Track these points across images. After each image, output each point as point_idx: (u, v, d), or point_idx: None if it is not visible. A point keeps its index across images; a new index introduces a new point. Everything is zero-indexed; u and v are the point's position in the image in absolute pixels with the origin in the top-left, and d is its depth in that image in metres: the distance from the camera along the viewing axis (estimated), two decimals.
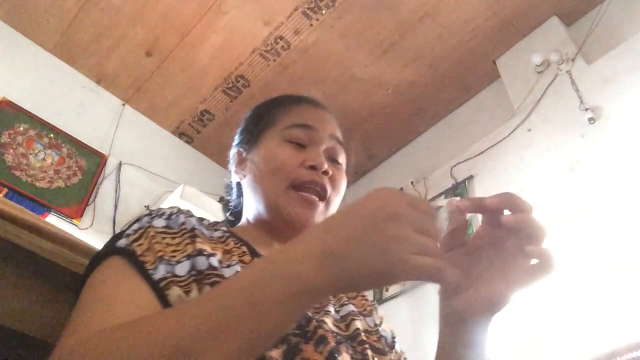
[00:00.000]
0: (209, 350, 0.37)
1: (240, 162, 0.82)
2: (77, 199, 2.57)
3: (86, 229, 2.49)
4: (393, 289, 2.64)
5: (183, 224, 0.61)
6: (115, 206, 2.70)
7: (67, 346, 0.41)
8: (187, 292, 0.53)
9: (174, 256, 0.56)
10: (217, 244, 0.63)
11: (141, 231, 0.58)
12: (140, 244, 0.56)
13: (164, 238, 0.58)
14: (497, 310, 0.51)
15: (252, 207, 0.77)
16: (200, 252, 0.57)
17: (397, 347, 0.74)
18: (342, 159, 0.79)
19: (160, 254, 0.55)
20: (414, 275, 0.40)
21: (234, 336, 0.38)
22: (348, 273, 0.40)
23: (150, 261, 0.53)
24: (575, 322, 1.84)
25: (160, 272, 0.53)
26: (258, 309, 0.39)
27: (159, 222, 0.60)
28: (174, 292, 0.52)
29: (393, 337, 0.75)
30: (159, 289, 0.51)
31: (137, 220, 0.62)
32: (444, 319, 0.56)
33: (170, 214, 0.63)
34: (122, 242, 0.56)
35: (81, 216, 2.53)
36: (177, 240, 0.59)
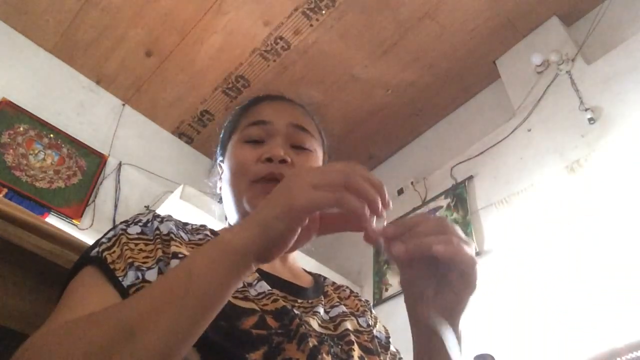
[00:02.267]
0: (151, 324, 0.40)
1: (221, 174, 0.84)
2: (77, 199, 2.57)
3: (86, 229, 2.49)
4: (393, 290, 2.64)
5: (157, 229, 0.62)
6: (115, 206, 2.70)
7: (30, 339, 0.43)
8: None
9: (145, 262, 0.56)
10: (195, 246, 0.64)
11: (114, 239, 0.58)
12: (112, 252, 0.56)
13: (137, 244, 0.58)
14: (454, 316, 0.54)
15: (229, 212, 0.78)
16: (174, 255, 0.58)
17: (392, 347, 0.74)
18: (308, 144, 0.77)
19: (130, 260, 0.55)
20: (315, 203, 0.44)
21: (172, 307, 0.41)
22: (263, 221, 0.45)
23: (121, 268, 0.54)
24: (575, 322, 1.84)
25: (130, 278, 0.53)
26: (189, 276, 0.43)
27: (134, 229, 0.61)
28: None
29: (387, 337, 0.75)
30: (128, 296, 0.52)
31: (113, 227, 0.62)
32: (412, 327, 0.59)
33: (146, 222, 0.63)
34: (94, 252, 0.57)
35: (81, 216, 2.53)
36: (151, 246, 0.59)
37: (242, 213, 0.73)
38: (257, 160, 0.73)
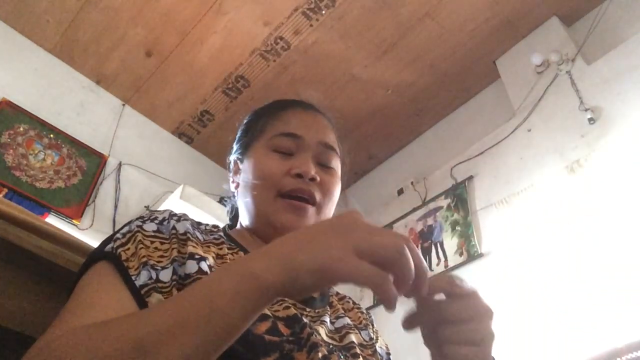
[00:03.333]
0: (164, 346, 0.39)
1: (236, 171, 0.83)
2: (77, 199, 2.57)
3: (86, 229, 2.49)
4: None
5: (173, 228, 0.61)
6: (115, 206, 2.70)
7: (41, 341, 0.42)
8: (167, 298, 0.53)
9: (160, 262, 0.56)
10: (210, 247, 0.63)
11: (129, 235, 0.58)
12: (127, 249, 0.56)
13: (153, 242, 0.58)
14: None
15: (245, 215, 0.78)
16: (191, 256, 0.57)
17: None
18: (334, 163, 0.78)
19: (144, 259, 0.55)
20: (353, 276, 0.41)
21: (189, 331, 0.39)
22: (295, 269, 0.41)
23: (134, 267, 0.54)
24: (575, 322, 1.84)
25: (143, 278, 0.53)
26: (211, 304, 0.41)
27: (150, 227, 0.60)
28: (154, 299, 0.52)
29: (388, 354, 0.75)
30: (140, 296, 0.52)
31: (129, 223, 0.62)
32: None
33: (163, 219, 0.62)
34: (109, 247, 0.57)
35: (81, 216, 2.53)
36: (166, 245, 0.59)
37: (263, 222, 0.73)
38: (285, 174, 0.72)
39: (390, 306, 0.40)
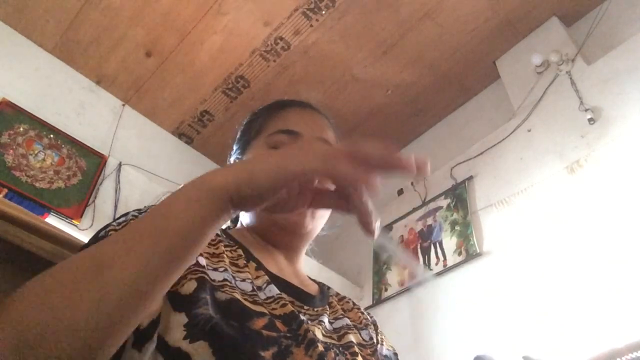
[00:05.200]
0: (120, 260, 0.39)
1: None
2: (77, 199, 2.57)
3: (86, 229, 2.49)
4: (392, 290, 2.64)
5: None
6: (115, 207, 2.70)
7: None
8: None
9: None
10: (207, 246, 0.63)
11: (124, 223, 0.58)
12: None
13: None
14: None
15: (245, 213, 0.78)
16: None
17: None
18: None
19: None
20: (308, 165, 0.42)
21: (145, 241, 0.40)
22: (248, 170, 0.43)
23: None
24: (575, 322, 1.84)
25: None
26: (166, 213, 0.42)
27: None
28: None
29: (395, 354, 0.75)
30: None
31: (125, 214, 0.62)
32: None
33: None
34: (102, 232, 0.57)
35: (81, 217, 2.52)
36: None
37: (258, 217, 0.74)
38: None
39: (357, 193, 0.43)
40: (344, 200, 0.49)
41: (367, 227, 0.48)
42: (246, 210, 0.45)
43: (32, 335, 0.36)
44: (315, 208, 0.50)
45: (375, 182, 0.43)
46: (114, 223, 0.59)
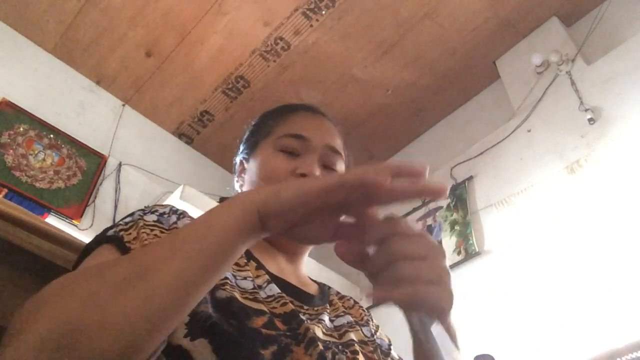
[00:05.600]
0: (164, 265, 0.41)
1: (241, 171, 0.85)
2: (77, 199, 2.57)
3: (86, 229, 2.49)
4: None
5: (174, 223, 0.62)
6: (115, 207, 2.70)
7: (45, 287, 0.44)
8: None
9: None
10: None
11: (131, 223, 0.59)
12: (129, 233, 0.57)
13: (153, 230, 0.59)
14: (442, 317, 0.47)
15: None
16: None
17: (394, 354, 0.74)
18: (338, 166, 0.80)
19: (146, 242, 0.55)
20: (331, 183, 0.44)
21: (186, 252, 0.42)
22: (278, 188, 0.46)
23: (137, 247, 0.54)
24: (575, 321, 1.84)
25: None
26: (207, 225, 0.45)
27: (151, 217, 0.61)
28: None
29: (389, 344, 0.76)
30: None
31: (131, 214, 0.63)
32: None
33: (163, 213, 0.64)
34: (112, 232, 0.58)
35: (81, 217, 2.53)
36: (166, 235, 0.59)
37: None
38: (290, 173, 0.73)
39: (381, 176, 0.43)
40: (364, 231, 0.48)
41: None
42: (274, 228, 0.46)
43: (76, 334, 0.37)
44: (337, 240, 0.49)
45: (383, 178, 0.43)
46: (121, 223, 0.60)
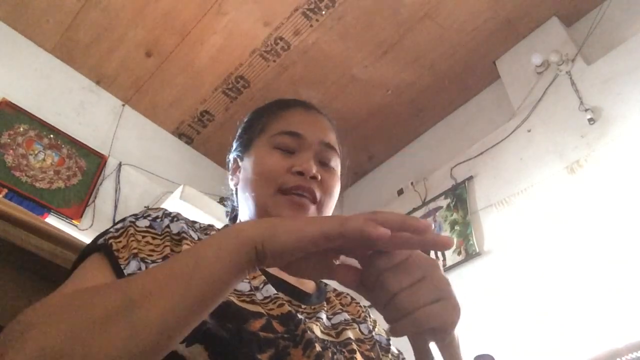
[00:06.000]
0: (152, 299, 0.40)
1: (235, 169, 0.84)
2: (77, 199, 2.57)
3: (86, 229, 2.49)
4: None
5: (167, 227, 0.62)
6: (115, 207, 2.70)
7: (28, 309, 0.43)
8: None
9: (150, 255, 0.56)
10: None
11: (122, 230, 0.59)
12: (119, 241, 0.57)
13: (144, 237, 0.59)
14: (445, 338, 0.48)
15: (245, 212, 0.78)
16: None
17: (393, 348, 0.74)
18: (334, 162, 0.79)
19: (135, 251, 0.55)
20: (328, 227, 0.43)
21: (176, 288, 0.41)
22: (275, 227, 0.44)
23: (124, 257, 0.54)
24: (575, 321, 1.84)
25: (132, 267, 0.53)
26: (197, 258, 0.43)
27: (142, 223, 0.61)
28: None
29: (388, 340, 0.75)
30: None
31: (122, 220, 0.63)
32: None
33: (156, 217, 0.63)
34: (101, 240, 0.58)
35: (81, 217, 2.53)
36: (158, 241, 0.59)
37: (261, 216, 0.73)
38: (287, 171, 0.73)
39: (377, 235, 0.41)
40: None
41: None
42: (269, 265, 0.45)
43: None
44: (335, 279, 0.49)
45: (383, 233, 0.42)
46: (112, 229, 0.59)
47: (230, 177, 0.85)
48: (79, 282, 0.52)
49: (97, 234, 0.61)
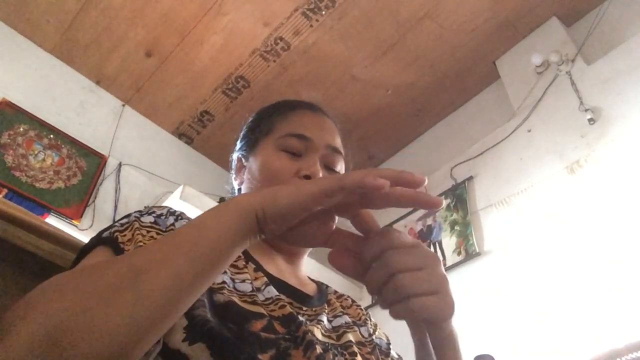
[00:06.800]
0: (157, 268, 0.41)
1: (240, 168, 0.84)
2: (77, 199, 2.57)
3: (86, 229, 2.49)
4: None
5: (172, 225, 0.62)
6: (115, 207, 2.70)
7: (38, 286, 0.43)
8: None
9: None
10: None
11: (127, 225, 0.59)
12: (124, 235, 0.57)
13: (149, 232, 0.59)
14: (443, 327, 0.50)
15: None
16: None
17: (393, 353, 0.74)
18: (339, 166, 0.79)
19: (140, 244, 0.55)
20: (324, 188, 0.44)
21: (180, 256, 0.42)
22: (273, 192, 0.47)
23: (130, 250, 0.54)
24: (575, 321, 1.84)
25: None
26: (200, 228, 0.45)
27: (147, 219, 0.61)
28: None
29: (388, 343, 0.75)
30: None
31: (127, 215, 0.63)
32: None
33: (160, 214, 0.63)
34: (106, 233, 0.58)
35: (81, 217, 2.53)
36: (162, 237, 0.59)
37: None
38: (294, 174, 0.73)
39: (375, 185, 0.43)
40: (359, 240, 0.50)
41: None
42: (271, 232, 0.47)
43: (64, 337, 0.36)
44: (331, 245, 0.51)
45: (383, 182, 0.43)
46: (117, 224, 0.60)
47: (234, 176, 0.85)
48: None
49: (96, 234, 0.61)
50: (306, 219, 0.47)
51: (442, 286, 0.47)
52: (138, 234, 0.57)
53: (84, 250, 0.58)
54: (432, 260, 0.47)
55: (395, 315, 0.45)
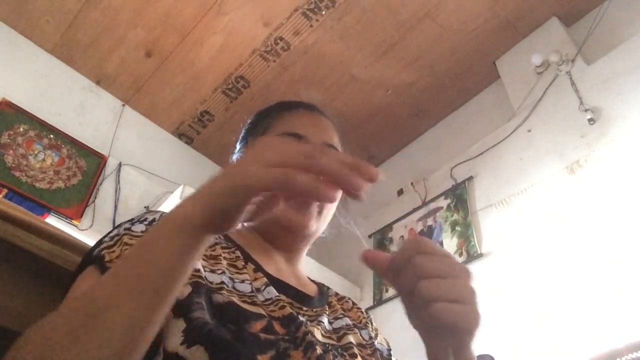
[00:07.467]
0: (111, 304, 0.40)
1: None
2: (77, 199, 2.57)
3: (86, 229, 2.49)
4: (393, 291, 2.64)
5: None
6: (115, 207, 2.70)
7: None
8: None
9: None
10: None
11: (117, 238, 0.58)
12: (112, 251, 0.56)
13: None
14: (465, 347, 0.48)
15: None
16: None
17: (394, 359, 0.74)
18: None
19: None
20: (261, 181, 0.41)
21: (129, 297, 0.41)
22: (209, 196, 0.44)
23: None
24: (575, 321, 1.84)
25: None
26: (150, 249, 0.44)
27: (138, 227, 0.60)
28: None
29: (389, 350, 0.75)
30: None
31: (118, 226, 0.62)
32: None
33: (152, 221, 0.62)
34: (96, 251, 0.57)
35: (81, 217, 2.53)
36: None
37: (266, 219, 0.73)
38: None
39: (322, 195, 0.41)
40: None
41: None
42: (223, 230, 0.45)
43: None
44: (288, 202, 0.50)
45: (334, 194, 0.42)
46: (107, 238, 0.59)
47: None
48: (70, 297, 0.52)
49: (97, 234, 0.61)
50: (265, 205, 0.46)
51: (468, 297, 0.45)
52: (126, 249, 0.56)
53: (80, 267, 0.57)
54: (461, 271, 0.46)
55: (419, 322, 0.44)
